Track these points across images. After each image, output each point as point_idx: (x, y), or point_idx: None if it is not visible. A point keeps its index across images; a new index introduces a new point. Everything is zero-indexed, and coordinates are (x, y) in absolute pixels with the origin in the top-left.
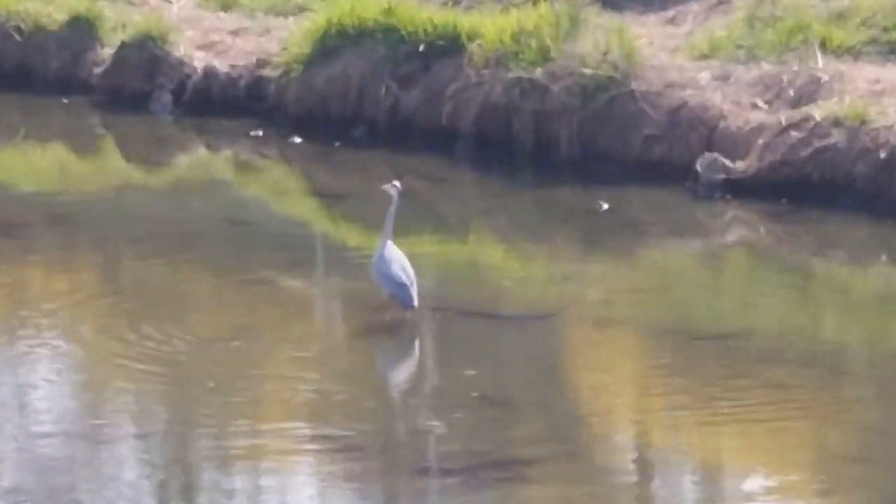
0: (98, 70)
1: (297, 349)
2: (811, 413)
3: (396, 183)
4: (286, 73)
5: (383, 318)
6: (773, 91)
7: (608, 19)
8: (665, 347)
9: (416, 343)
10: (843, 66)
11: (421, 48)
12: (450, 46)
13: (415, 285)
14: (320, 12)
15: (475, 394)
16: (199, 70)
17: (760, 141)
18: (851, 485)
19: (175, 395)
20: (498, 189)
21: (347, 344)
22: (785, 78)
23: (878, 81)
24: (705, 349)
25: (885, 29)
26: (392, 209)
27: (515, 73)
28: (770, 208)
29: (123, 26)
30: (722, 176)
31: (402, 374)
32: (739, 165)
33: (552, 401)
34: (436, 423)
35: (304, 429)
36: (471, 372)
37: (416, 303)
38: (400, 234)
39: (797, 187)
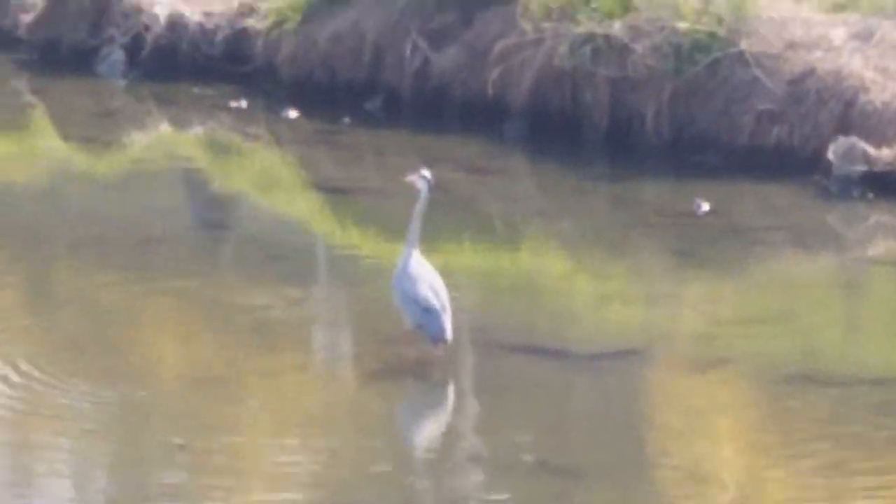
0: (27, 19)
1: (290, 398)
2: None
3: (426, 173)
4: (278, 24)
5: (406, 356)
6: None
7: None
8: (786, 400)
9: (450, 390)
10: None
11: None
12: None
13: (448, 311)
14: None
15: (529, 458)
16: (161, 19)
17: None
18: None
19: (129, 457)
20: (561, 182)
21: (357, 391)
22: None
23: None
24: (841, 403)
25: None
26: (419, 208)
27: (586, 27)
28: None
29: None
30: (862, 168)
31: (430, 434)
32: (885, 154)
33: (633, 471)
34: (476, 501)
35: None
36: (524, 430)
37: (449, 335)
38: (430, 241)
39: None
